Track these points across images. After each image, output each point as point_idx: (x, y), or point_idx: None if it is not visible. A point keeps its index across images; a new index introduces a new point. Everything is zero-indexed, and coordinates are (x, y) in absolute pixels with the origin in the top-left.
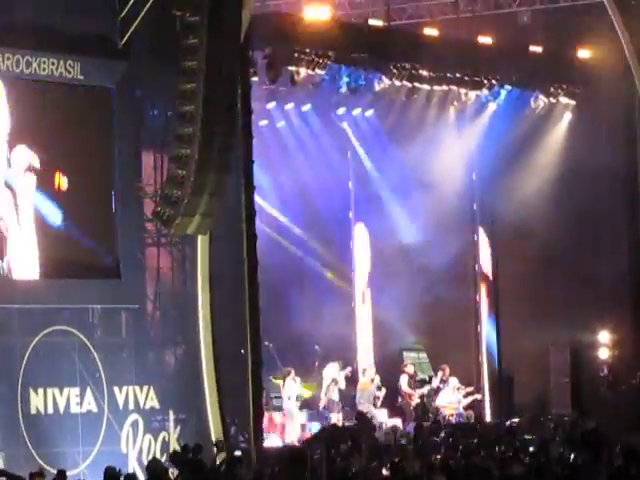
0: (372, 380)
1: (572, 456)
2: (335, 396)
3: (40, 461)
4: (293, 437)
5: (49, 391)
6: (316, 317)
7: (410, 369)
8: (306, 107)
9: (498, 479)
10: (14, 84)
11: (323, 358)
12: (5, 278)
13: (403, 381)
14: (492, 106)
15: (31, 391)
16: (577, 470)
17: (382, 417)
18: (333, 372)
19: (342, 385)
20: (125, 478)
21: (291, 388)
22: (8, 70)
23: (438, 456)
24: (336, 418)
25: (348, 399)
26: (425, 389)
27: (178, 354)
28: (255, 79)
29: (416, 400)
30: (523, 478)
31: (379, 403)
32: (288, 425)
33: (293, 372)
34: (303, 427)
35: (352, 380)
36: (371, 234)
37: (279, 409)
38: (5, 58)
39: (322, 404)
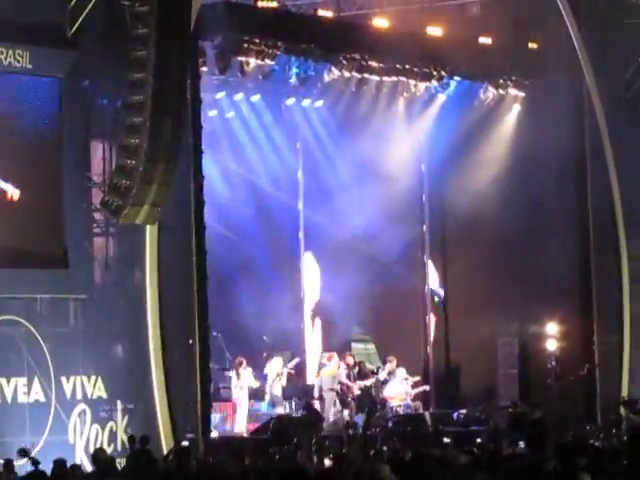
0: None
1: (520, 445)
2: (278, 391)
3: None
4: (242, 427)
5: None
6: (264, 308)
7: (350, 360)
8: (255, 97)
9: (446, 469)
10: None
11: (271, 349)
12: None
13: (342, 373)
14: (441, 97)
15: None
16: (524, 459)
17: (335, 407)
18: (277, 367)
19: (284, 381)
20: (70, 468)
21: (245, 378)
22: None
23: (385, 447)
24: (282, 411)
25: (299, 389)
26: (369, 381)
27: (126, 344)
28: (204, 69)
29: (356, 392)
30: (471, 468)
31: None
32: (238, 415)
33: (245, 362)
34: (251, 417)
35: (301, 372)
36: (320, 224)
37: (227, 400)
38: None
39: (267, 398)
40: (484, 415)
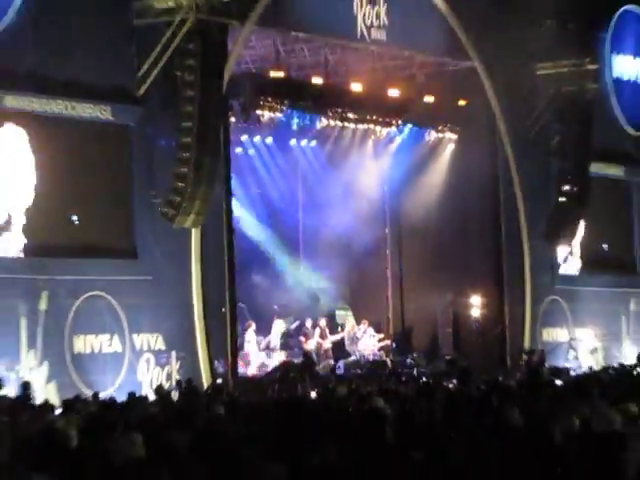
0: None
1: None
2: (277, 343)
3: (81, 386)
4: (254, 370)
5: (88, 337)
6: (274, 286)
7: (322, 323)
8: (269, 139)
9: (402, 395)
10: (62, 125)
11: (279, 314)
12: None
13: (316, 333)
14: (398, 139)
15: (74, 337)
16: (454, 395)
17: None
18: (280, 326)
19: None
20: (139, 398)
21: (250, 335)
22: (60, 113)
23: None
24: (285, 356)
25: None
26: (337, 336)
27: (178, 312)
28: (233, 119)
29: (326, 346)
30: (415, 397)
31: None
32: (252, 361)
33: (253, 324)
34: (262, 364)
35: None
36: (314, 227)
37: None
38: (56, 104)
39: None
40: (429, 361)
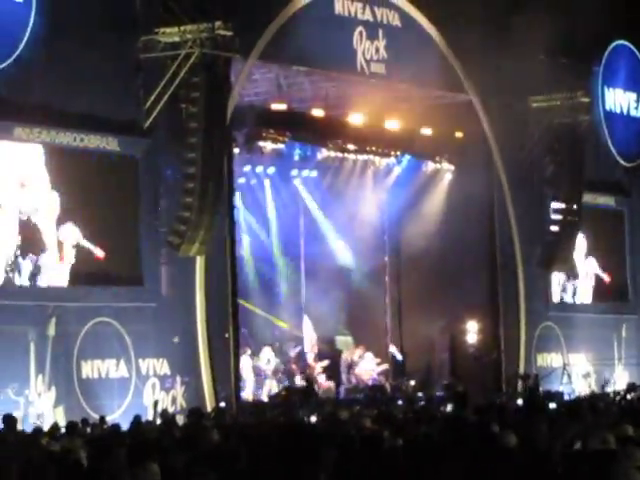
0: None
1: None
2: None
3: (88, 410)
4: (249, 394)
5: (95, 362)
6: (275, 312)
7: (315, 349)
8: (271, 170)
9: (401, 420)
10: (71, 156)
11: (280, 340)
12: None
13: (310, 357)
14: (397, 169)
15: (82, 362)
16: (449, 419)
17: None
18: (267, 353)
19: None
20: (146, 422)
21: (245, 360)
22: (69, 144)
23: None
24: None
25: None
26: (324, 363)
27: (183, 337)
28: (236, 150)
29: (318, 370)
30: (411, 421)
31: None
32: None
33: (248, 349)
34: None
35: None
36: (315, 258)
37: None
38: (65, 136)
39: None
40: (425, 386)
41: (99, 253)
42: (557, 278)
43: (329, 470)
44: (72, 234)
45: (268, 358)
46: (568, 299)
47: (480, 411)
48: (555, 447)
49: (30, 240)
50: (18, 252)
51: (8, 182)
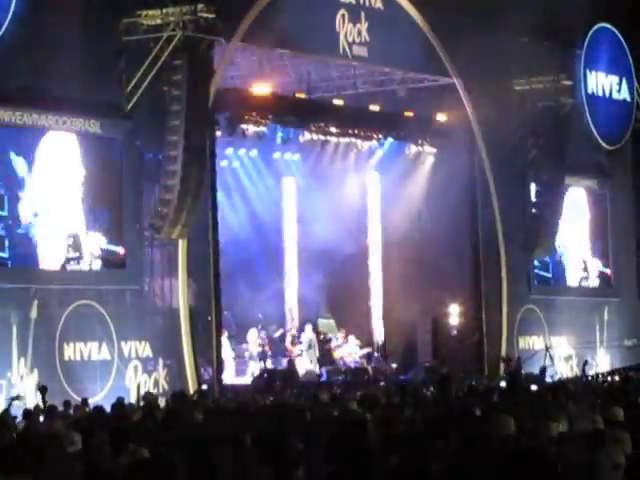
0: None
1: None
2: (254, 350)
3: (71, 392)
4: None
5: (77, 345)
6: (258, 295)
7: (294, 332)
8: (253, 152)
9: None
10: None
11: (264, 322)
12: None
13: (287, 341)
14: (379, 152)
15: (64, 345)
16: (433, 400)
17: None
18: (254, 335)
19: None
20: (129, 404)
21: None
22: (50, 127)
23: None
24: (268, 364)
25: (280, 350)
26: (304, 345)
27: (165, 319)
28: (218, 133)
29: (296, 352)
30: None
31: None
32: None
33: (226, 333)
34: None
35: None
36: (298, 241)
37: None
38: (47, 119)
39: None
40: (408, 368)
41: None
42: (542, 260)
43: (317, 452)
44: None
45: (255, 340)
46: (553, 281)
47: (466, 393)
48: (541, 430)
49: None
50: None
51: None
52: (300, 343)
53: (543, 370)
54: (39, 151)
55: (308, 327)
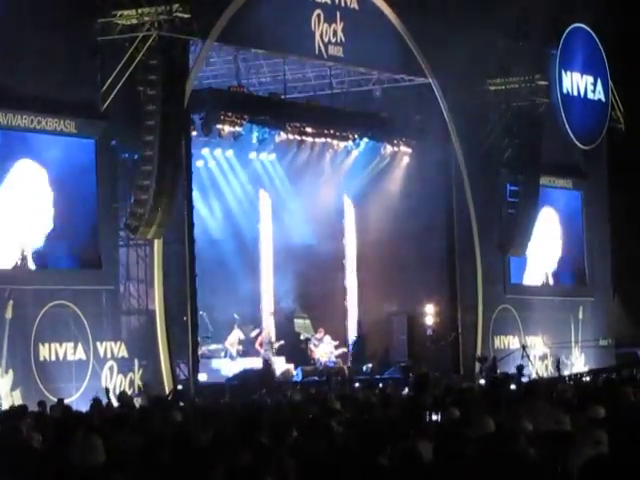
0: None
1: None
2: (234, 350)
3: (46, 393)
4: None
5: (53, 345)
6: (234, 296)
7: (270, 333)
8: (229, 152)
9: (361, 402)
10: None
11: (240, 323)
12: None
13: (264, 340)
14: (355, 152)
15: (40, 345)
16: (411, 399)
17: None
18: (235, 336)
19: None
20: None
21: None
22: (26, 127)
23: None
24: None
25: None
26: (279, 343)
27: (141, 320)
28: (194, 133)
29: (272, 351)
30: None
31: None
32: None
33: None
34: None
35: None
36: (273, 240)
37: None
38: (22, 118)
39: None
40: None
41: None
42: (517, 260)
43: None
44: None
45: (239, 340)
46: (527, 282)
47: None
48: (520, 429)
49: None
50: None
51: None
52: (269, 344)
53: (520, 369)
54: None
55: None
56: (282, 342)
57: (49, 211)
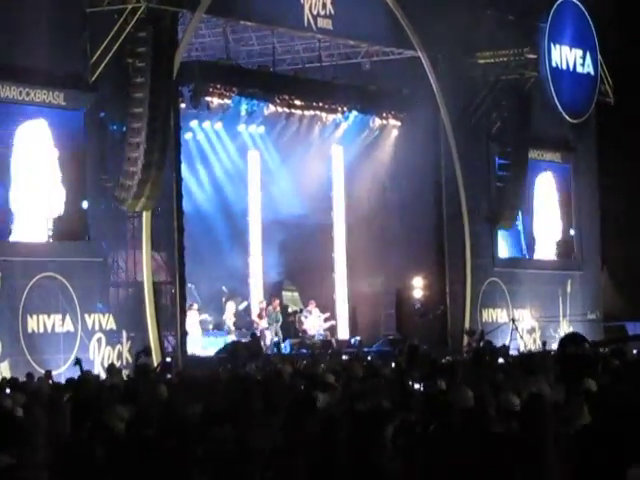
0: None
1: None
2: (231, 323)
3: (34, 365)
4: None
5: (41, 317)
6: (222, 268)
7: (263, 304)
8: (218, 125)
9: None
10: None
11: (228, 295)
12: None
13: (254, 313)
14: (344, 125)
15: (28, 317)
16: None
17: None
18: (231, 308)
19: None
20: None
21: (191, 316)
22: (14, 98)
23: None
24: (235, 336)
25: (245, 323)
26: (271, 318)
27: (129, 291)
28: (183, 105)
29: (263, 325)
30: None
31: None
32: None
33: (193, 305)
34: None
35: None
36: (262, 213)
37: None
38: (10, 90)
39: (225, 328)
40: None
41: None
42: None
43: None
44: None
45: (233, 312)
46: (516, 254)
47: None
48: (493, 404)
49: None
50: None
51: None
52: (267, 316)
53: (506, 349)
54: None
55: (276, 300)
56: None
57: (58, 174)
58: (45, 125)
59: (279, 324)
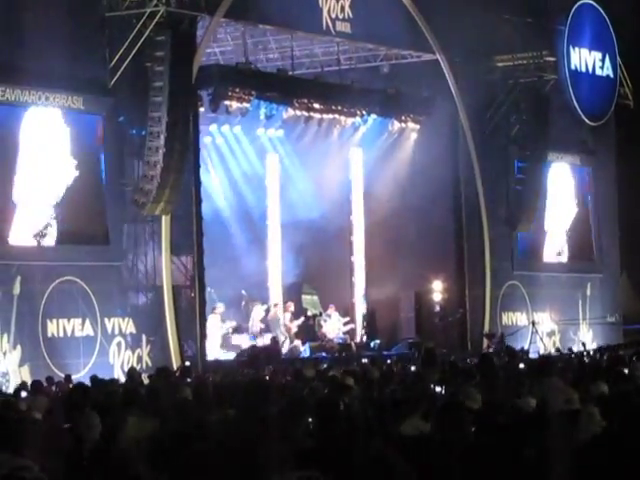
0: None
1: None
2: (257, 327)
3: (54, 369)
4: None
5: (60, 321)
6: (241, 272)
7: (291, 308)
8: (237, 129)
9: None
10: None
11: (248, 299)
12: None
13: (286, 317)
14: (363, 128)
15: (47, 321)
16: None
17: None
18: (259, 313)
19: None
20: (110, 380)
21: (212, 320)
22: (34, 103)
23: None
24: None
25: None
26: (300, 321)
27: (149, 296)
28: (202, 109)
29: (294, 330)
30: (380, 380)
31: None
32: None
33: (215, 308)
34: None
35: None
36: (281, 217)
37: None
38: (29, 95)
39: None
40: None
41: None
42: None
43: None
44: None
45: (261, 316)
46: (544, 258)
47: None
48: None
49: None
50: None
51: None
52: (298, 319)
53: (526, 352)
54: (22, 128)
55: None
56: (302, 319)
57: (71, 164)
58: (67, 133)
59: (281, 327)
